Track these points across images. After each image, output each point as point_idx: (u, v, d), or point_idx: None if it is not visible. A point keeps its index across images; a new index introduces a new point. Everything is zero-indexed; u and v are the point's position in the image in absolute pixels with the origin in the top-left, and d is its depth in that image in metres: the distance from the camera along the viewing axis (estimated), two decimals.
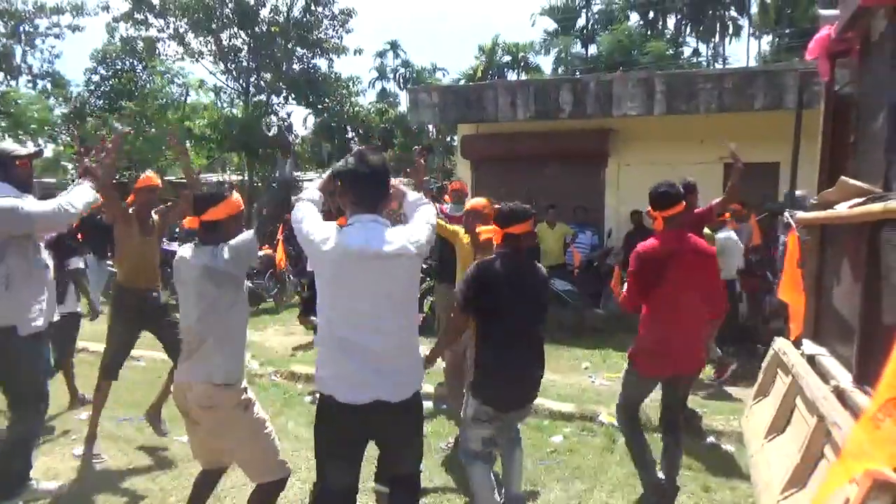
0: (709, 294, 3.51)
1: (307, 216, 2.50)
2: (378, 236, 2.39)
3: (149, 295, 4.46)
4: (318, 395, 2.56)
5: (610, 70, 23.15)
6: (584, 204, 10.05)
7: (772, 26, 34.12)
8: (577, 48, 38.29)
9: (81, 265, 5.51)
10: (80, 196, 3.40)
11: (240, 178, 21.76)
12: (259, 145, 21.00)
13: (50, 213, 3.26)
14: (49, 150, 28.25)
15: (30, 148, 3.57)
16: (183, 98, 22.39)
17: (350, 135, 33.83)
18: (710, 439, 4.70)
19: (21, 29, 27.85)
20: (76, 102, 24.75)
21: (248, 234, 2.78)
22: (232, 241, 2.74)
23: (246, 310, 2.91)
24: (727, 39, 37.66)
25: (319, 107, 23.27)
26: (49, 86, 27.69)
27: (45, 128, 24.97)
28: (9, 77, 28.68)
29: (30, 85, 28.64)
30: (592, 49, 37.61)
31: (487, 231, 3.37)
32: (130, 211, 4.44)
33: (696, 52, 38.09)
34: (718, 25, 36.79)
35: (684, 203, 3.64)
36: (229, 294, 2.74)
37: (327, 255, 2.36)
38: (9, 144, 3.59)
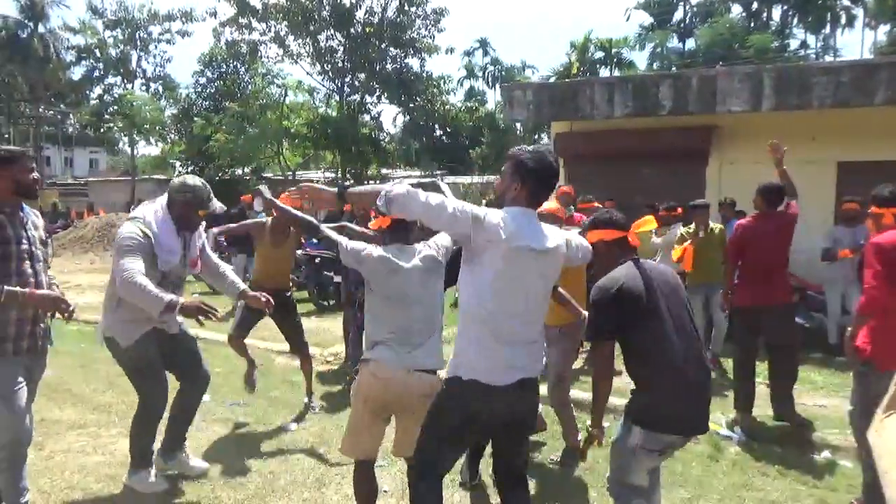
0: None
1: (449, 198, 2.46)
2: (541, 231, 2.48)
3: (278, 295, 4.54)
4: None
5: (708, 65, 22.22)
6: (683, 204, 9.70)
7: (890, 16, 31.73)
8: (674, 42, 37.03)
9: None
10: (151, 302, 3.21)
11: (333, 175, 22.35)
12: (352, 144, 21.58)
13: (124, 282, 3.25)
14: (158, 149, 30.18)
15: (217, 206, 3.69)
16: (281, 99, 23.29)
17: (438, 133, 34.15)
18: (826, 454, 4.43)
19: (137, 36, 29.94)
20: (184, 103, 26.27)
21: (441, 233, 2.98)
22: (437, 238, 3.04)
23: None
24: (839, 30, 35.38)
25: (411, 105, 23.64)
26: (161, 88, 29.61)
27: (157, 128, 26.68)
28: (125, 80, 30.89)
29: (144, 88, 30.75)
30: (690, 43, 36.28)
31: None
32: (266, 222, 5.12)
33: (803, 45, 35.99)
34: (829, 15, 34.56)
35: None
36: (441, 286, 3.01)
37: (502, 244, 2.35)
38: (202, 190, 3.59)
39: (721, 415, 4.95)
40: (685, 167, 9.97)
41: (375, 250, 2.93)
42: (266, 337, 7.10)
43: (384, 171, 23.97)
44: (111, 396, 5.27)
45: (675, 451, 2.95)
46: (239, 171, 25.65)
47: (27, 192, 3.00)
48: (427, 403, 2.65)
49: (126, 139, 30.47)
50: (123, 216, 19.50)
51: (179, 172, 27.18)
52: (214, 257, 3.99)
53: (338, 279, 9.17)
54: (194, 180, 3.63)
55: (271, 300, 3.75)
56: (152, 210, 3.54)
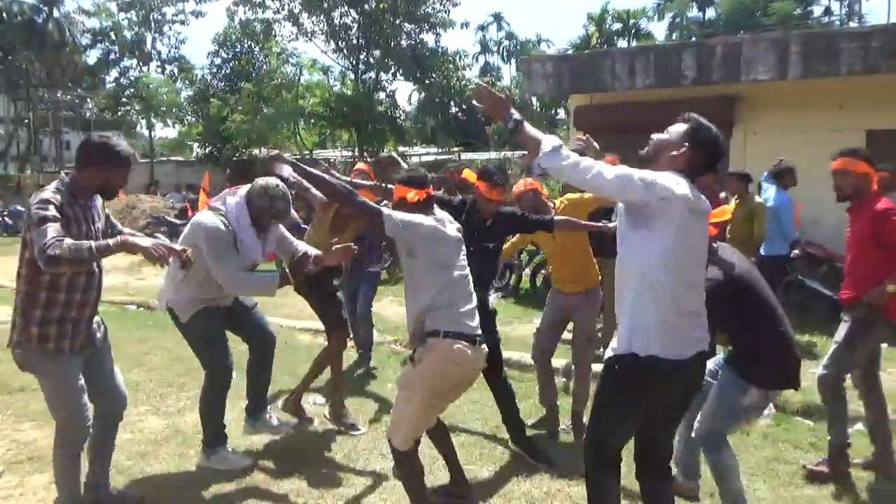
0: None
1: (598, 164, 2.32)
2: (699, 194, 2.40)
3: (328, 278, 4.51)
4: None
5: (729, 34, 21.71)
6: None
7: None
8: (693, 12, 36.24)
9: None
10: (263, 290, 3.53)
11: (350, 153, 22.27)
12: (368, 122, 21.44)
13: (228, 283, 3.47)
14: (175, 131, 30.26)
15: (294, 218, 3.85)
16: (297, 78, 23.14)
17: (454, 110, 33.81)
18: (859, 426, 4.32)
19: (151, 17, 29.87)
20: (200, 85, 26.21)
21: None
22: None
23: None
24: None
25: (427, 82, 23.39)
26: (176, 70, 29.57)
27: (174, 110, 26.70)
28: (141, 63, 30.91)
29: (159, 70, 30.75)
30: (710, 12, 35.47)
31: None
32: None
33: (827, 11, 35.05)
34: None
35: None
36: None
37: (680, 207, 2.28)
38: (280, 202, 3.54)
39: None
40: None
41: (425, 219, 2.97)
42: (289, 315, 7.14)
43: (401, 149, 23.80)
44: (138, 375, 5.30)
45: None
46: (256, 152, 25.63)
47: (109, 195, 3.04)
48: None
49: (143, 122, 30.57)
50: (144, 197, 19.64)
51: (197, 154, 27.26)
52: (291, 239, 3.89)
53: None
54: (276, 189, 3.54)
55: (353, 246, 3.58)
56: (233, 204, 3.57)
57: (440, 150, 25.28)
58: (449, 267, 2.95)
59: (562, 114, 43.96)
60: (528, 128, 2.40)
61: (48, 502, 3.23)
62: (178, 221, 13.92)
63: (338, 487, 3.51)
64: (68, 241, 2.58)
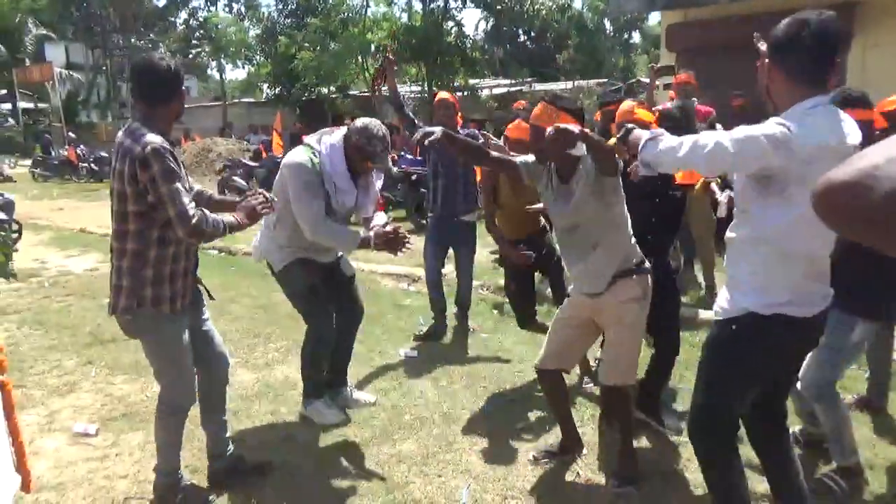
0: None
1: (705, 136, 2.02)
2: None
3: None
4: None
5: None
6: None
7: None
8: None
9: None
10: (344, 241, 3.29)
11: (419, 88, 21.66)
12: (437, 54, 20.70)
13: (312, 228, 3.21)
14: (245, 72, 30.29)
15: (389, 166, 3.48)
16: (363, 10, 22.46)
17: (522, 38, 32.32)
18: None
19: None
20: (267, 22, 25.90)
21: None
22: None
23: None
24: None
25: (498, 7, 22.25)
26: (243, 8, 29.36)
27: (243, 50, 26.61)
28: (209, 3, 30.87)
29: (226, 9, 30.62)
30: None
31: None
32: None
33: None
34: None
35: None
36: None
37: (824, 164, 1.93)
38: (377, 143, 3.22)
39: None
40: None
41: None
42: (371, 258, 6.88)
43: (471, 81, 22.94)
44: (223, 324, 5.12)
45: None
46: (325, 90, 25.35)
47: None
48: None
49: (214, 64, 30.74)
50: (219, 140, 19.83)
51: (267, 95, 27.26)
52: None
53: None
54: (377, 129, 3.23)
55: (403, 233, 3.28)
56: (329, 144, 3.28)
57: (512, 81, 24.30)
58: None
59: (636, 37, 41.71)
60: (638, 131, 2.23)
61: (144, 464, 3.11)
62: (253, 164, 13.89)
63: (445, 453, 3.25)
64: (209, 215, 2.50)
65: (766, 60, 2.05)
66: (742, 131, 1.91)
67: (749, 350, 2.15)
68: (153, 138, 2.44)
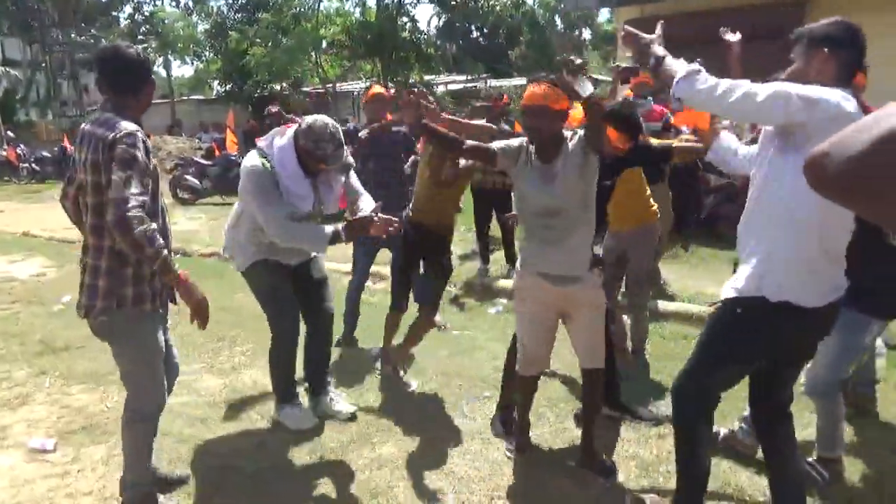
0: None
1: (742, 83, 2.01)
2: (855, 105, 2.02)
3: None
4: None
5: None
6: None
7: None
8: None
9: None
10: (313, 241, 3.09)
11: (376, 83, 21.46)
12: (392, 50, 20.55)
13: (276, 232, 3.06)
14: (193, 69, 29.53)
15: (348, 161, 3.33)
16: (316, 5, 22.13)
17: (475, 34, 32.33)
18: None
19: None
20: (216, 17, 25.28)
21: None
22: None
23: None
24: None
25: (452, 3, 22.22)
26: (191, 2, 28.55)
27: (191, 46, 25.90)
28: None
29: (173, 4, 29.72)
30: None
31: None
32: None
33: None
34: None
35: None
36: None
37: (828, 109, 1.95)
38: (326, 144, 3.01)
39: None
40: (772, 50, 8.96)
41: None
42: (332, 257, 6.71)
43: (426, 77, 22.85)
44: (185, 327, 4.94)
45: None
46: (277, 86, 24.88)
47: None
48: None
49: (160, 60, 29.78)
50: (168, 138, 19.24)
51: (217, 92, 26.63)
52: (356, 189, 3.49)
53: None
54: (323, 130, 3.02)
55: (393, 220, 3.11)
56: (278, 146, 3.11)
57: (468, 77, 24.30)
58: None
59: (586, 33, 42.19)
60: (669, 61, 2.17)
61: (109, 479, 2.93)
62: (205, 162, 13.48)
63: (427, 455, 3.16)
64: (153, 228, 2.28)
65: (814, 50, 2.08)
66: (777, 86, 1.97)
67: (748, 334, 2.17)
68: (129, 125, 2.33)
